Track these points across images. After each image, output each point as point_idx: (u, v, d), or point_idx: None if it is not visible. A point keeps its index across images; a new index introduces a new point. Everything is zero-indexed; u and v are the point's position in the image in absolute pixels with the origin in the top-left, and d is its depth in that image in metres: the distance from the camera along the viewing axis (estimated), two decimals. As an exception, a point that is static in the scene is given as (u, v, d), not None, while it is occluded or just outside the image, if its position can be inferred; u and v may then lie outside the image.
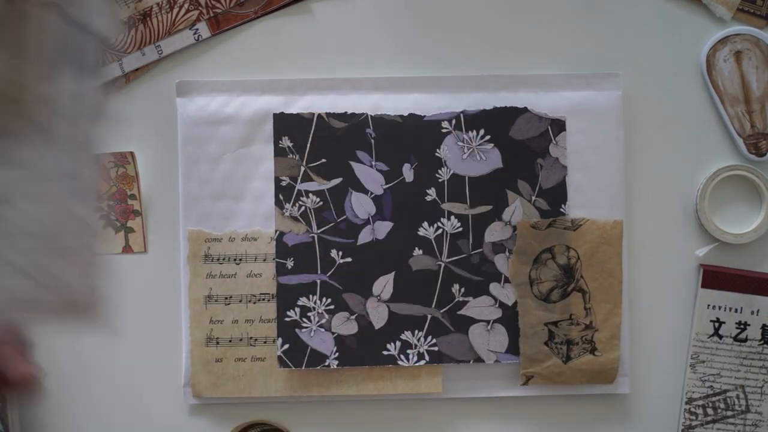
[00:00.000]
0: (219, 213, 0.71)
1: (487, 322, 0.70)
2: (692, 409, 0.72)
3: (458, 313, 0.70)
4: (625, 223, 0.71)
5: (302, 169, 0.70)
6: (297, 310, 0.70)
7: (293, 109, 0.71)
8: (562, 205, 0.71)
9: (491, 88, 0.71)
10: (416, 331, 0.70)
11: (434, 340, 0.70)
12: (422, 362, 0.70)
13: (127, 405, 0.72)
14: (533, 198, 0.71)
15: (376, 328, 0.70)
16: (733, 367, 0.72)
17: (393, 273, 0.70)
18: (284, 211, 0.70)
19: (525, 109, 0.71)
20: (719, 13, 0.72)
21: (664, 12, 0.72)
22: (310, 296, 0.70)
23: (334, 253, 0.70)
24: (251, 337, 0.71)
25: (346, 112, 0.71)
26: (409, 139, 0.70)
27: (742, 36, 0.72)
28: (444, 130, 0.71)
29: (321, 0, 0.72)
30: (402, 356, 0.70)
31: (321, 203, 0.70)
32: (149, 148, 0.72)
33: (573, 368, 0.70)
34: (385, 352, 0.70)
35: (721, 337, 0.72)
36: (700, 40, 0.72)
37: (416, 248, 0.70)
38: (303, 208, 0.70)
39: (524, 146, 0.71)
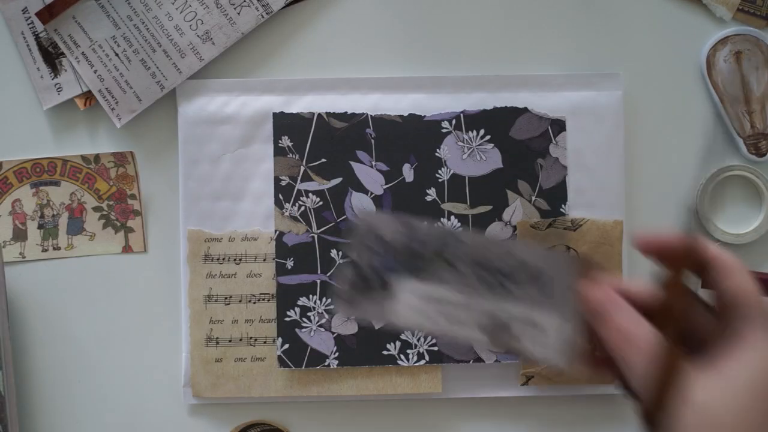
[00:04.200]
0: (219, 213, 0.71)
1: (487, 322, 0.70)
2: (692, 410, 0.72)
3: (458, 313, 0.70)
4: (625, 223, 0.71)
5: (302, 168, 0.70)
6: (297, 310, 0.70)
7: (293, 109, 0.71)
8: (562, 205, 0.71)
9: (491, 88, 0.71)
10: (416, 331, 0.70)
11: (434, 340, 0.70)
12: (422, 362, 0.70)
13: (127, 405, 0.72)
14: (533, 198, 0.71)
15: (376, 327, 0.70)
16: (733, 367, 0.72)
17: (393, 273, 0.70)
18: (284, 211, 0.70)
19: (525, 109, 0.71)
20: (719, 13, 0.72)
21: (664, 12, 0.72)
22: (310, 296, 0.70)
23: (334, 253, 0.70)
24: (251, 337, 0.71)
25: (346, 112, 0.71)
26: (409, 139, 0.70)
27: (743, 36, 0.72)
28: (444, 130, 0.71)
29: (321, 0, 0.72)
30: (402, 356, 0.70)
31: (321, 203, 0.70)
32: (149, 148, 0.72)
33: (573, 368, 0.70)
34: (384, 352, 0.70)
35: (721, 337, 0.72)
36: (700, 41, 0.72)
37: (416, 248, 0.70)
38: (303, 208, 0.70)
39: (524, 146, 0.71)
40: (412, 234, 0.45)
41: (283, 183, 0.70)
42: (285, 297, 0.70)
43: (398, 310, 0.44)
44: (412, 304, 0.44)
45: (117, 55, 0.70)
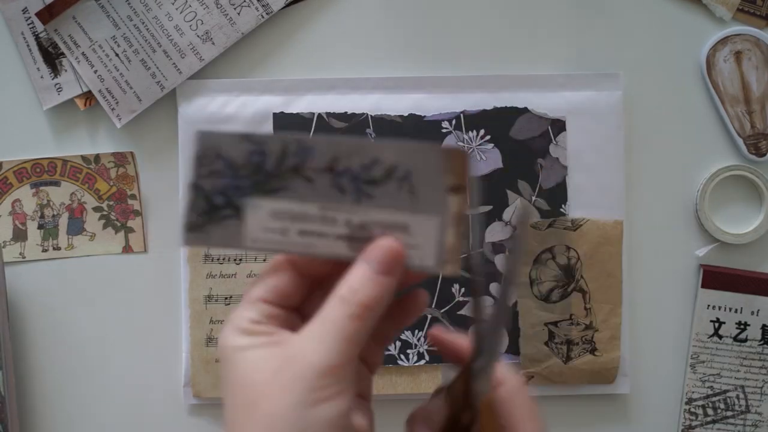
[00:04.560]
0: (219, 213, 0.71)
1: (487, 322, 0.70)
2: (692, 410, 0.72)
3: (458, 313, 0.70)
4: (625, 223, 0.71)
5: (302, 169, 0.70)
6: (297, 310, 0.70)
7: (293, 109, 0.71)
8: (562, 205, 0.71)
9: (491, 88, 0.71)
10: (416, 331, 0.70)
11: (434, 340, 0.70)
12: (422, 362, 0.70)
13: (127, 405, 0.72)
14: (533, 198, 0.71)
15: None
16: (733, 367, 0.72)
17: (393, 273, 0.70)
18: (284, 211, 0.70)
19: (525, 109, 0.71)
20: (719, 13, 0.72)
21: (664, 12, 0.72)
22: (310, 296, 0.70)
23: (334, 253, 0.70)
24: (251, 337, 0.70)
25: (346, 112, 0.71)
26: (409, 139, 0.70)
27: (742, 36, 0.72)
28: (444, 130, 0.71)
29: (321, 0, 0.72)
30: (402, 356, 0.70)
31: (321, 203, 0.70)
32: (149, 148, 0.72)
33: (573, 368, 0.71)
34: (385, 352, 0.70)
35: (721, 337, 0.72)
36: (700, 41, 0.72)
37: (416, 248, 0.70)
38: (303, 208, 0.70)
39: (524, 146, 0.71)
40: (257, 148, 0.40)
41: (283, 183, 0.70)
42: (285, 297, 0.70)
43: (250, 234, 0.40)
44: (266, 224, 0.40)
45: (117, 55, 0.70)
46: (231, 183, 0.40)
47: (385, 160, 0.39)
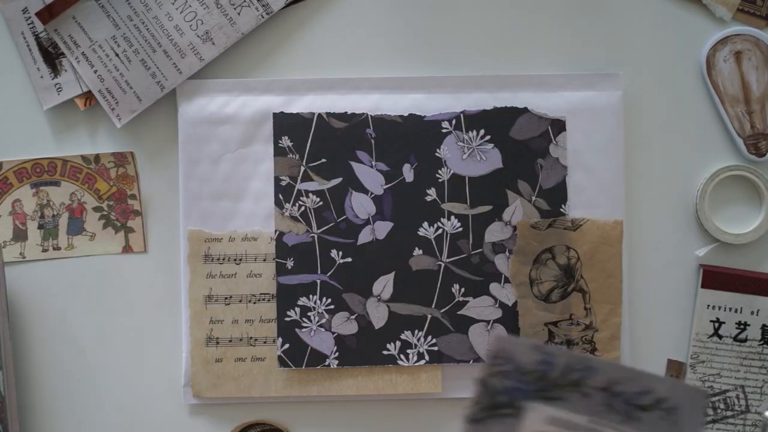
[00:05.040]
0: (219, 213, 0.71)
1: (487, 322, 0.70)
2: (692, 409, 0.72)
3: (458, 313, 0.70)
4: (625, 223, 0.71)
5: (302, 168, 0.70)
6: (297, 309, 0.70)
7: (293, 109, 0.71)
8: (562, 205, 0.71)
9: (491, 88, 0.71)
10: (416, 331, 0.70)
11: (434, 340, 0.70)
12: (422, 362, 0.70)
13: (127, 405, 0.72)
14: (533, 198, 0.71)
15: (376, 328, 0.70)
16: (733, 367, 0.72)
17: (393, 273, 0.70)
18: (284, 211, 0.70)
19: (525, 109, 0.71)
20: (719, 13, 0.72)
21: (664, 12, 0.72)
22: (310, 296, 0.70)
23: (334, 253, 0.70)
24: (251, 337, 0.71)
25: (346, 112, 0.71)
26: (409, 139, 0.71)
27: (742, 36, 0.72)
28: (444, 130, 0.71)
29: (321, 0, 0.72)
30: (402, 356, 0.70)
31: (321, 203, 0.70)
32: (149, 148, 0.72)
33: None
34: (385, 352, 0.70)
35: (720, 337, 0.72)
36: (700, 41, 0.72)
37: (416, 248, 0.70)
38: (303, 208, 0.70)
39: (524, 146, 0.71)
40: (547, 359, 0.45)
41: (283, 183, 0.70)
42: (285, 297, 0.70)
43: None
44: (538, 428, 0.45)
45: (117, 55, 0.70)
46: (516, 386, 0.46)
47: (657, 392, 0.45)
